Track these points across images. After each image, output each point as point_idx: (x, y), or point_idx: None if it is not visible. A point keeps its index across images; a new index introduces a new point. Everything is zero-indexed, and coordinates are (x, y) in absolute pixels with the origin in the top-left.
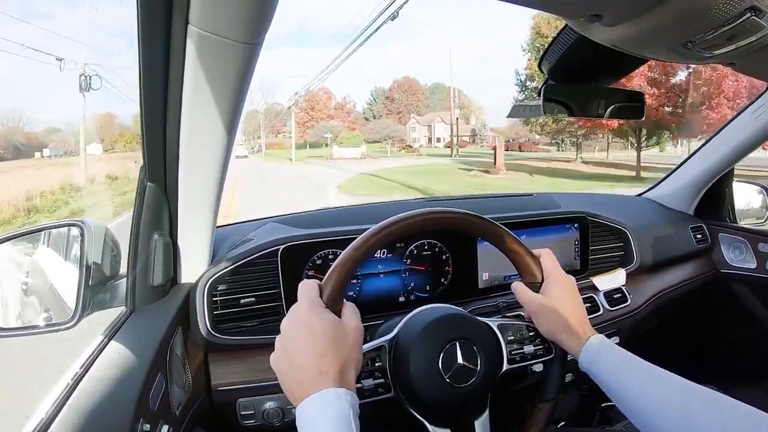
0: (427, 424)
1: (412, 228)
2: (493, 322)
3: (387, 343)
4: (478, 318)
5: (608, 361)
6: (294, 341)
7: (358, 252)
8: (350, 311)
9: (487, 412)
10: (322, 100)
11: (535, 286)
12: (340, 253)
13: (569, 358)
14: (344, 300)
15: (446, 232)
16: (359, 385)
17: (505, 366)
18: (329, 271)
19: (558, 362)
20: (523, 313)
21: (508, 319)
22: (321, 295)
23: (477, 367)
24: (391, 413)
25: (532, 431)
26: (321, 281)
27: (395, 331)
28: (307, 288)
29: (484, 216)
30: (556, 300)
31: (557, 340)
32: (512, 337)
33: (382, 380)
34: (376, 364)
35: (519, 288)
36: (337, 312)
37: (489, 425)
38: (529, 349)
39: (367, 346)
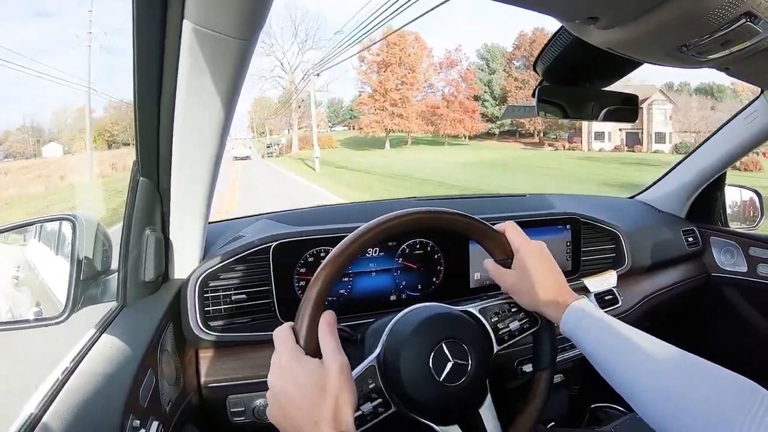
0: (435, 426)
1: (370, 243)
2: (474, 308)
3: (375, 362)
4: (456, 309)
5: (591, 326)
6: (283, 394)
7: (323, 284)
8: (330, 348)
9: (489, 397)
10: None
11: (507, 262)
12: (331, 250)
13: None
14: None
15: (438, 232)
16: (359, 412)
17: (496, 348)
18: (298, 312)
19: (546, 329)
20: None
21: (488, 300)
22: (298, 340)
23: (468, 361)
24: (397, 425)
25: (536, 401)
26: (294, 323)
27: (379, 347)
28: (282, 335)
29: (447, 209)
30: (529, 270)
31: (539, 310)
32: (495, 318)
33: (379, 400)
34: (370, 386)
35: (491, 266)
36: (318, 352)
37: (494, 408)
38: (514, 325)
39: (355, 373)
